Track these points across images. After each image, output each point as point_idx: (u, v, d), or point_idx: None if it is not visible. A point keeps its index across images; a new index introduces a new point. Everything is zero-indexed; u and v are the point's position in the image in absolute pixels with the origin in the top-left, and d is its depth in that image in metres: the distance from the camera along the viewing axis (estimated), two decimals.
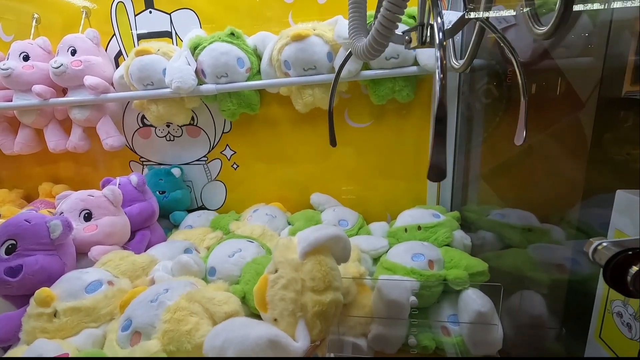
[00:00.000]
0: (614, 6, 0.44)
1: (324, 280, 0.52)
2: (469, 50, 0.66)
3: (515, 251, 0.76)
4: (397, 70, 0.87)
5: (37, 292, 0.59)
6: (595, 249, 0.26)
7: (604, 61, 0.46)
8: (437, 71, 0.33)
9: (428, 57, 0.83)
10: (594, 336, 0.53)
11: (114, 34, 1.07)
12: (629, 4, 0.42)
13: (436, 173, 0.34)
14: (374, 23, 0.40)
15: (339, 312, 0.54)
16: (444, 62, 0.34)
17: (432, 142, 0.34)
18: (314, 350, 0.47)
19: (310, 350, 0.47)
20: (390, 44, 0.83)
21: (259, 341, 0.46)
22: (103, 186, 0.90)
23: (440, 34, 0.35)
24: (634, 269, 0.23)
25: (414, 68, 0.86)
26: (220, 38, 0.91)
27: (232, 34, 0.92)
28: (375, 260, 0.84)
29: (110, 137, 1.05)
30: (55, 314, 0.58)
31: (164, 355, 0.48)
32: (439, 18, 0.36)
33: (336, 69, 0.87)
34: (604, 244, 0.25)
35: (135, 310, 0.57)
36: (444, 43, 0.35)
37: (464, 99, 0.98)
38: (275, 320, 0.52)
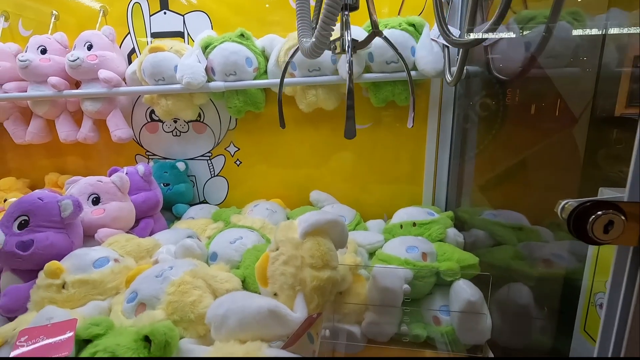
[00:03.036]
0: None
1: (322, 258, 0.55)
2: (457, 66, 0.71)
3: (506, 248, 0.79)
4: (397, 74, 0.92)
5: (47, 264, 0.61)
6: (563, 207, 0.30)
7: None
8: (347, 76, 0.43)
9: (425, 62, 0.88)
10: (580, 330, 0.55)
11: (129, 33, 1.13)
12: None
13: (348, 135, 0.52)
14: (316, 27, 0.48)
15: (335, 291, 0.57)
16: (351, 73, 0.51)
17: (346, 115, 0.51)
18: (312, 321, 0.50)
19: (309, 321, 0.49)
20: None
21: (260, 310, 0.49)
22: (110, 175, 0.93)
23: (348, 43, 0.53)
24: (592, 217, 0.27)
25: (413, 73, 0.91)
26: (230, 38, 0.97)
27: (242, 35, 0.97)
28: (371, 254, 0.87)
29: (119, 129, 1.09)
30: (63, 286, 0.60)
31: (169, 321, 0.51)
32: (347, 33, 0.53)
33: (340, 72, 0.93)
34: (570, 202, 0.29)
35: (141, 284, 0.59)
36: (352, 53, 0.54)
37: (460, 107, 1.03)
38: (275, 294, 0.55)
